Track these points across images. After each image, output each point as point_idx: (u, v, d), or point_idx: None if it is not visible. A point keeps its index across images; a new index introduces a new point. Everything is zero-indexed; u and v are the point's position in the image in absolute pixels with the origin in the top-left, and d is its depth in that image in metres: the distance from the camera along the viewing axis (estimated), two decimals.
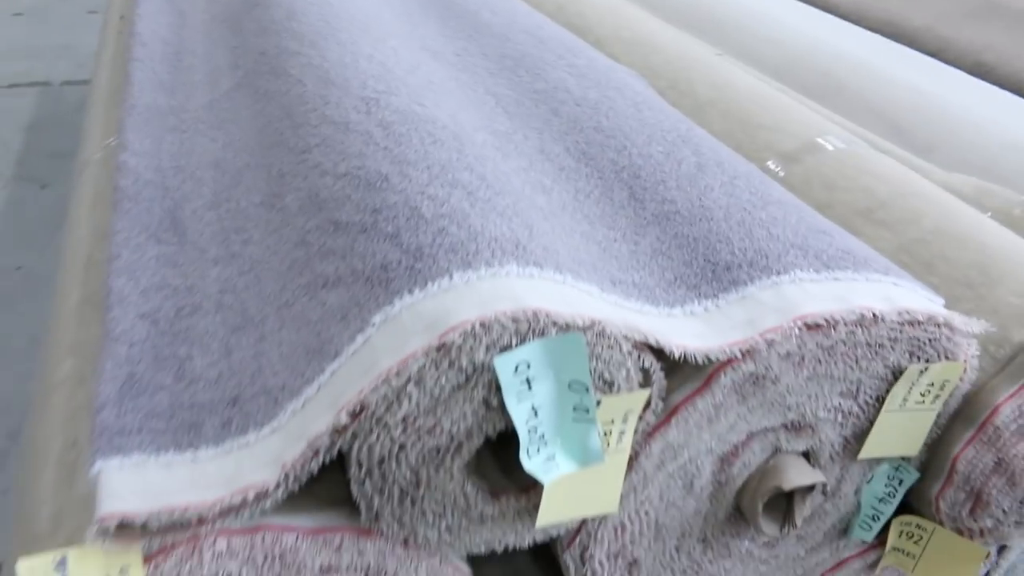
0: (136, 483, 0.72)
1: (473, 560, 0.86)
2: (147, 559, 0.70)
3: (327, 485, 0.76)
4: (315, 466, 0.70)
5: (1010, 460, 0.94)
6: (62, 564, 0.69)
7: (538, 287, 0.72)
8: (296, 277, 0.86)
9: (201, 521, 0.70)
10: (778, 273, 0.84)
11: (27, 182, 2.40)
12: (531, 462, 0.70)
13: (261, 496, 0.70)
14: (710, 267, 0.86)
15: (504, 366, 0.67)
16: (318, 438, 0.69)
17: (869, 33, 2.05)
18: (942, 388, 0.91)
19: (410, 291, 0.72)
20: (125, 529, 0.69)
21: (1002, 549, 1.19)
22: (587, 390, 0.69)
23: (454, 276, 0.72)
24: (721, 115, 1.41)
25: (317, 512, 0.75)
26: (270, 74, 1.25)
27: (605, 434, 0.75)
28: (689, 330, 0.79)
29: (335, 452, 0.70)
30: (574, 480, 0.74)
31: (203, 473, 0.73)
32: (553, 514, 0.75)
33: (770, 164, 1.30)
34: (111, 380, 0.81)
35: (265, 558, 0.72)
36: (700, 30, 2.04)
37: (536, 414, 0.69)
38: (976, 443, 0.95)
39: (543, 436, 0.70)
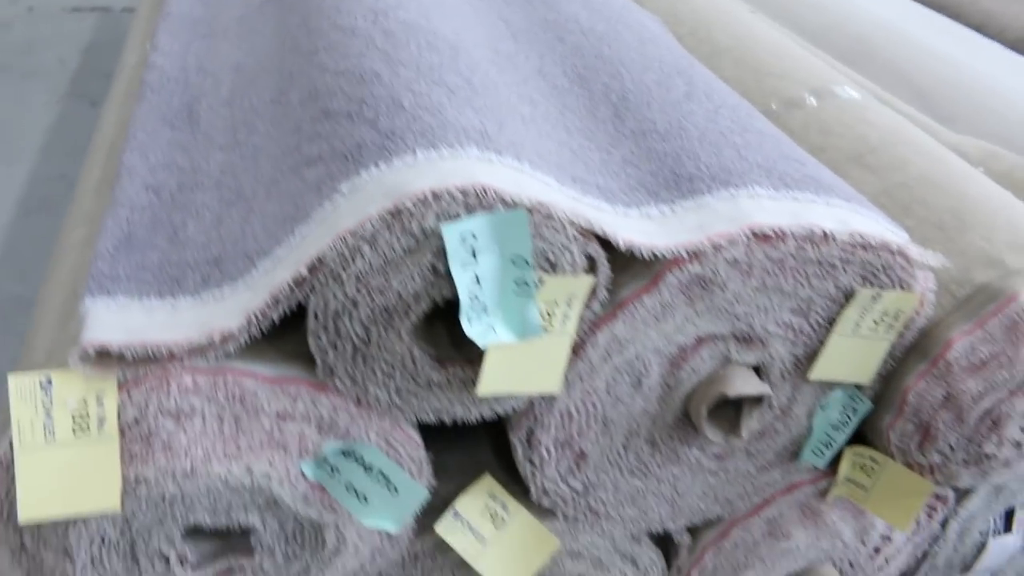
0: (118, 321, 0.79)
1: (435, 448, 0.93)
2: (121, 387, 0.77)
3: (290, 342, 0.83)
4: (276, 315, 0.77)
5: (958, 395, 0.97)
6: (47, 384, 0.77)
7: (494, 170, 0.77)
8: (286, 159, 0.93)
9: (171, 357, 0.77)
10: (736, 186, 0.88)
11: (80, 99, 2.53)
12: (472, 328, 0.75)
13: (226, 339, 0.77)
14: (673, 177, 0.90)
15: (451, 234, 0.73)
16: (280, 288, 0.76)
17: (912, 2, 2.04)
18: (896, 318, 0.94)
19: (377, 165, 0.78)
20: (104, 359, 0.77)
21: (961, 498, 1.21)
22: (528, 265, 0.75)
23: (418, 154, 0.77)
24: (734, 62, 1.44)
25: (279, 363, 0.82)
26: None
27: (548, 315, 0.80)
28: (641, 229, 0.84)
29: (294, 303, 0.77)
30: (516, 354, 0.79)
31: (179, 318, 0.81)
32: (494, 384, 0.81)
33: (772, 105, 1.32)
34: (111, 237, 0.89)
35: (227, 398, 0.79)
36: None
37: (479, 283, 0.75)
38: (928, 377, 0.98)
39: (485, 305, 0.76)
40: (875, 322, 0.94)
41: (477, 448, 1.07)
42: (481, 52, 1.10)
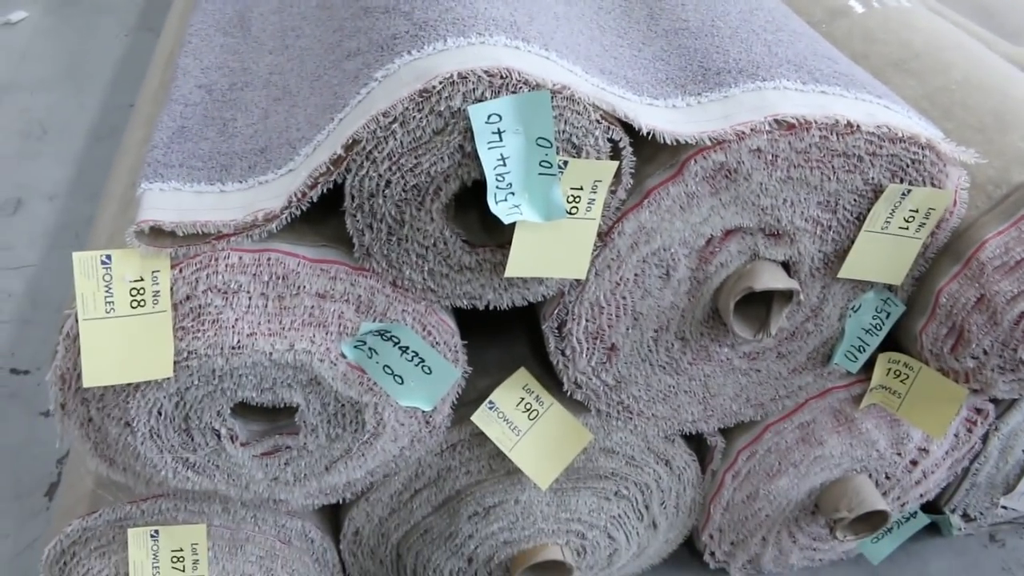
0: (171, 202, 0.85)
1: (476, 345, 0.97)
2: (174, 264, 0.83)
3: (330, 227, 0.87)
4: (315, 195, 0.81)
5: (992, 296, 0.97)
6: (107, 260, 0.83)
7: (521, 56, 0.80)
8: (329, 55, 0.97)
9: (219, 236, 0.82)
10: (764, 79, 0.89)
11: (148, 32, 2.61)
12: (498, 206, 0.79)
13: (269, 218, 0.82)
14: (701, 72, 0.92)
15: (477, 114, 0.76)
16: (318, 169, 0.80)
17: None
18: (927, 216, 0.94)
19: (409, 52, 0.81)
20: (158, 238, 0.82)
21: (1003, 412, 1.21)
22: (551, 145, 0.77)
23: (448, 41, 0.80)
24: None
25: (320, 246, 0.87)
26: None
27: (574, 200, 0.83)
28: (665, 118, 0.86)
29: (332, 184, 0.81)
30: (544, 237, 0.82)
31: (226, 201, 0.86)
32: (523, 266, 0.84)
33: (817, 14, 1.31)
34: (165, 129, 0.94)
35: (271, 275, 0.84)
36: None
37: (505, 163, 0.78)
38: (960, 278, 0.98)
39: (511, 185, 0.79)
40: (906, 220, 0.94)
41: (515, 344, 1.11)
42: None
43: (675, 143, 0.83)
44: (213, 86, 1.02)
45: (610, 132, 0.81)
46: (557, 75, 0.79)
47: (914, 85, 1.12)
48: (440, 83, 0.76)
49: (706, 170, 0.86)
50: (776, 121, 0.84)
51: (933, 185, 0.92)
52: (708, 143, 0.84)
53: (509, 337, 1.12)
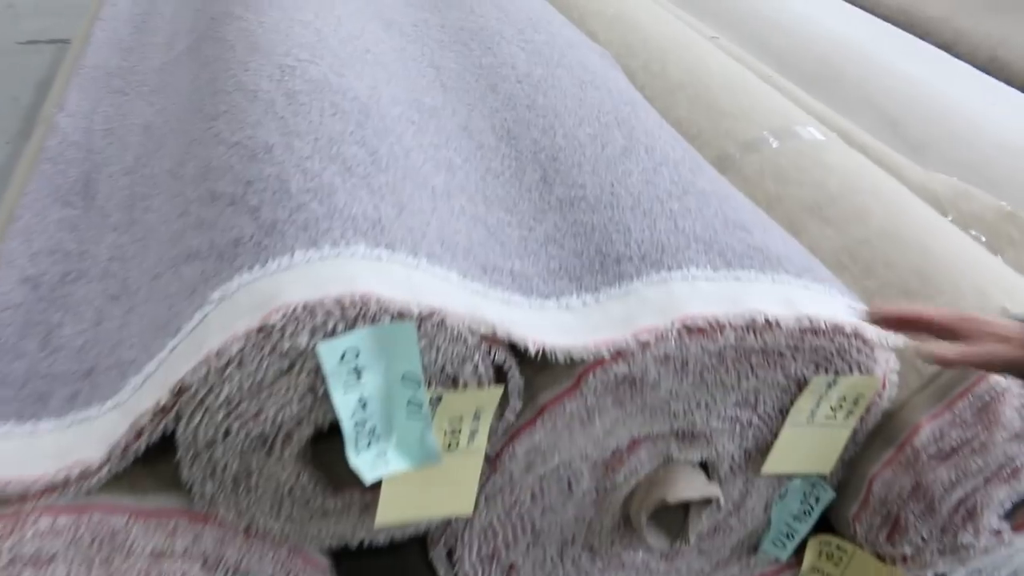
0: None
1: (359, 552, 0.83)
2: None
3: (173, 465, 0.73)
4: (141, 447, 0.67)
5: (928, 485, 0.87)
6: None
7: (383, 270, 0.68)
8: (171, 248, 0.83)
9: (23, 497, 0.68)
10: (669, 268, 0.78)
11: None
12: (358, 458, 0.66)
13: (85, 475, 0.67)
14: (600, 258, 0.81)
15: (328, 353, 0.63)
16: (141, 418, 0.66)
17: (881, 21, 1.95)
18: (856, 403, 0.85)
19: (250, 268, 0.68)
20: None
21: None
22: (419, 384, 0.65)
23: (295, 254, 0.68)
24: (689, 100, 1.34)
25: (155, 493, 0.72)
26: (212, 39, 1.22)
27: (453, 432, 0.70)
28: (558, 324, 0.74)
29: (158, 433, 0.67)
30: (419, 478, 0.70)
31: (38, 446, 0.71)
32: (395, 512, 0.71)
33: (730, 149, 1.23)
34: None
35: (93, 540, 0.69)
36: (703, 10, 1.96)
37: (365, 407, 0.65)
38: (894, 465, 0.88)
39: (374, 431, 0.66)
40: (832, 409, 0.84)
41: (407, 553, 0.97)
42: (399, 110, 1.00)
43: (569, 360, 0.72)
44: (41, 278, 0.88)
45: (492, 355, 0.70)
46: (426, 294, 0.67)
47: (832, 236, 1.04)
48: (282, 318, 0.63)
49: (607, 383, 0.74)
50: (685, 325, 0.73)
51: (860, 371, 0.82)
52: (607, 356, 0.72)
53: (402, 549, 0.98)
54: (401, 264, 0.70)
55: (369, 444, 0.66)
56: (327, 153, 0.82)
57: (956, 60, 1.77)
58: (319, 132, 0.86)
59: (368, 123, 0.91)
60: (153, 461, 0.72)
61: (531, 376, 0.75)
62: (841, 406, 0.85)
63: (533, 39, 1.28)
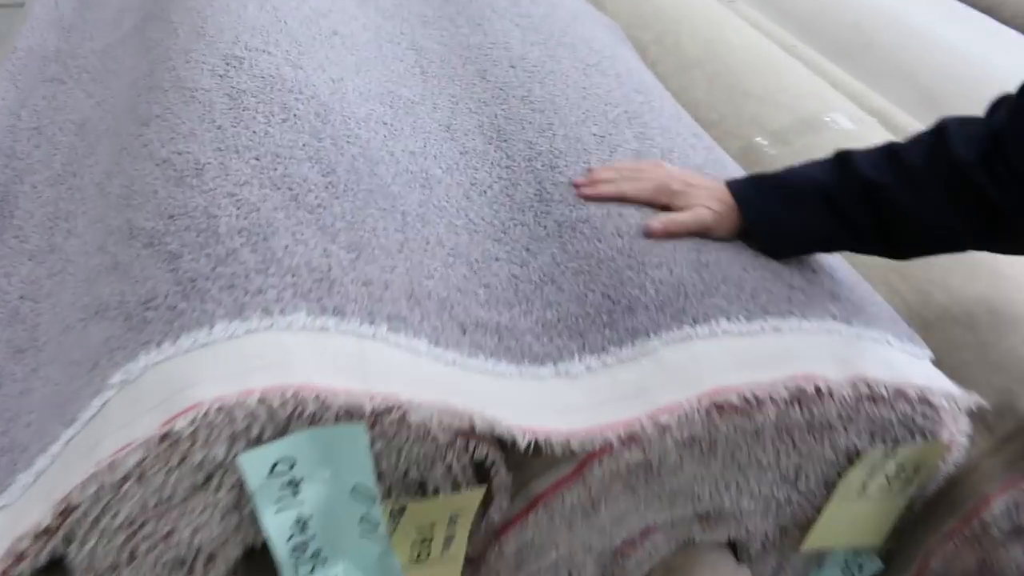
0: None
1: None
2: None
3: None
4: (25, 572, 0.53)
5: (998, 566, 0.73)
6: None
7: (328, 348, 0.53)
8: (84, 294, 0.68)
9: None
10: (695, 322, 0.63)
11: None
12: None
13: None
14: (607, 305, 0.66)
15: (253, 466, 0.49)
16: (20, 541, 0.52)
17: None
18: (916, 472, 0.70)
19: (159, 344, 0.53)
20: None
21: None
22: (374, 499, 0.51)
23: (215, 327, 0.53)
24: (707, 79, 1.18)
25: None
26: (158, 18, 1.05)
27: (423, 541, 0.56)
28: (556, 400, 0.59)
29: (46, 555, 0.53)
30: None
31: None
32: None
33: (759, 140, 1.07)
34: None
35: None
36: None
37: (305, 527, 0.51)
38: (957, 538, 0.74)
39: (318, 553, 0.52)
40: (888, 479, 0.70)
41: None
42: (368, 108, 0.84)
43: (570, 449, 0.57)
44: None
45: (472, 450, 0.55)
46: (384, 379, 0.52)
47: None
48: (190, 424, 0.48)
49: (616, 471, 0.60)
50: (714, 404, 0.58)
51: (924, 437, 0.68)
52: (616, 443, 0.58)
53: None
54: (353, 336, 0.55)
55: (313, 570, 0.52)
56: (270, 176, 0.67)
57: (1001, 25, 1.59)
58: (263, 146, 0.70)
59: (326, 130, 0.75)
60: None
61: (522, 460, 0.60)
62: (899, 475, 0.70)
63: (530, 13, 1.11)
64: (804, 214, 0.70)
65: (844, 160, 0.71)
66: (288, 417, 0.49)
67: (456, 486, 0.55)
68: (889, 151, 0.69)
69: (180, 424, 0.48)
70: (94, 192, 0.83)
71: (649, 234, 0.70)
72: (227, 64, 0.84)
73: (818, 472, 0.68)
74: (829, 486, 0.69)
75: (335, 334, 0.54)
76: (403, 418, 0.51)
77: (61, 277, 0.76)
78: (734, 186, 0.74)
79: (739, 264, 0.69)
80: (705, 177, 0.77)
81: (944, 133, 0.67)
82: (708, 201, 0.72)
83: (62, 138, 0.98)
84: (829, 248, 0.74)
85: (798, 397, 0.60)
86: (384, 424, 0.51)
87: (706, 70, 1.19)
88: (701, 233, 0.71)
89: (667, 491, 0.64)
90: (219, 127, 0.74)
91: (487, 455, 0.55)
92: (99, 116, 0.99)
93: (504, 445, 0.57)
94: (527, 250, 0.72)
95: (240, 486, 0.50)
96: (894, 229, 0.68)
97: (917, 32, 1.50)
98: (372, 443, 0.51)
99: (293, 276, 0.57)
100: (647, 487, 0.62)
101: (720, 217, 0.71)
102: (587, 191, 0.75)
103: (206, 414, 0.48)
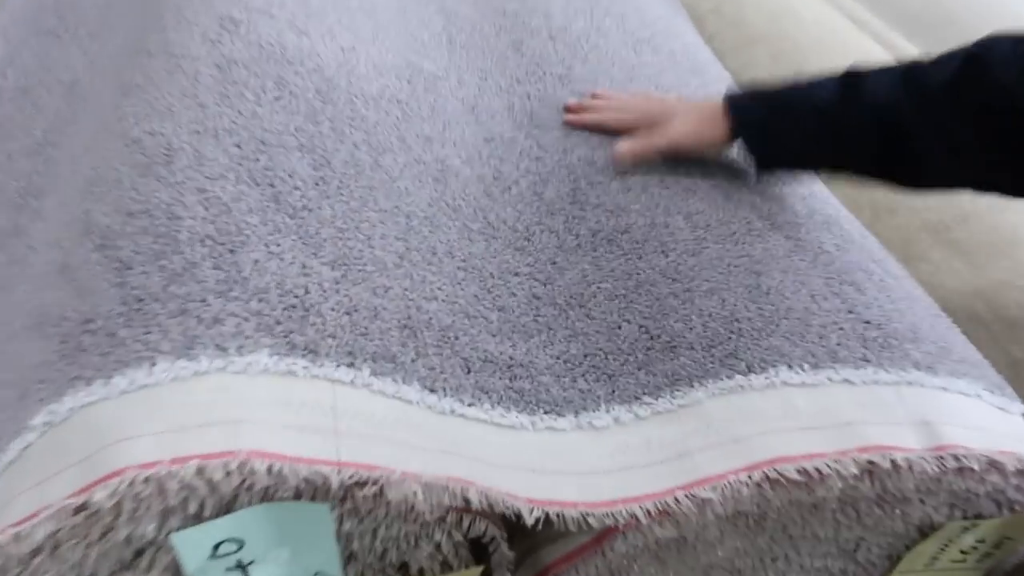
0: None
1: None
2: None
3: None
4: None
5: None
6: None
7: (293, 397, 0.43)
8: (34, 296, 0.59)
9: None
10: (748, 369, 0.52)
11: None
12: None
13: None
14: (644, 340, 0.55)
15: (190, 547, 0.39)
16: None
17: None
18: (997, 546, 0.59)
19: (89, 382, 0.44)
20: None
21: None
22: None
23: (157, 365, 0.43)
24: (771, 58, 1.05)
25: None
26: None
27: None
28: (576, 460, 0.49)
29: None
30: None
31: None
32: None
33: None
34: None
35: None
36: None
37: None
38: None
39: None
40: (964, 552, 0.59)
41: None
42: (381, 83, 0.73)
43: (587, 524, 0.47)
44: None
45: (466, 527, 0.45)
46: (358, 440, 0.42)
47: (961, 270, 0.76)
48: (111, 496, 0.39)
49: (644, 545, 0.50)
50: (768, 478, 0.48)
51: (1011, 510, 0.56)
52: (643, 519, 0.47)
53: None
54: (326, 382, 0.45)
55: None
56: (249, 168, 0.57)
57: None
58: (247, 130, 0.60)
59: (325, 112, 0.65)
60: None
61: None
62: (976, 548, 0.59)
63: None
64: (800, 135, 0.66)
65: (853, 81, 0.63)
66: (234, 492, 0.39)
67: (446, 567, 0.46)
68: (909, 72, 0.61)
69: (99, 496, 0.38)
70: (67, 169, 0.74)
71: (617, 160, 0.66)
72: (221, 27, 0.73)
73: (882, 545, 0.57)
74: (893, 559, 0.59)
75: (303, 380, 0.44)
76: (380, 493, 0.41)
77: (20, 267, 0.67)
78: (731, 98, 0.70)
79: (807, 291, 0.58)
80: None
81: (985, 48, 0.57)
82: (684, 119, 0.69)
83: (48, 100, 0.88)
84: (825, 169, 0.70)
85: (869, 472, 0.49)
86: (356, 499, 0.41)
87: (770, 48, 1.06)
88: (674, 153, 0.69)
89: (701, 564, 0.53)
90: (201, 104, 0.63)
91: (485, 530, 0.45)
92: (89, 78, 0.89)
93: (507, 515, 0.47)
94: (553, 263, 0.61)
95: (177, 566, 0.41)
96: (908, 159, 0.61)
97: (1004, 3, 1.34)
98: (341, 522, 0.41)
99: (260, 301, 0.47)
100: (679, 560, 0.52)
101: (698, 134, 0.69)
102: (571, 118, 0.74)
103: (131, 484, 0.38)
